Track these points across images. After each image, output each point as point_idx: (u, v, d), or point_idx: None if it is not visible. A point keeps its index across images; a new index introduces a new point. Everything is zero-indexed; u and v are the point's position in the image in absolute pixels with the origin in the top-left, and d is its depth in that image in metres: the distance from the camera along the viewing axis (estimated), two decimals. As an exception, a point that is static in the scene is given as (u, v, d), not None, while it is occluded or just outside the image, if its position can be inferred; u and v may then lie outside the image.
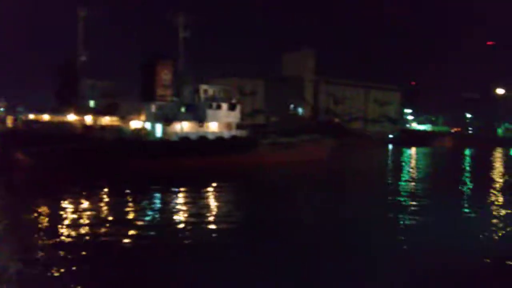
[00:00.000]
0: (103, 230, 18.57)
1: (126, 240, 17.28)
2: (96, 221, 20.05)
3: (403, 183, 37.49)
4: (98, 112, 47.14)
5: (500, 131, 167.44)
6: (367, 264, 15.06)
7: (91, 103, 48.06)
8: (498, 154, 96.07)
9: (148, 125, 47.18)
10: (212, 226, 19.74)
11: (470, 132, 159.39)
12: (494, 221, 21.72)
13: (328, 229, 19.96)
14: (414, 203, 26.72)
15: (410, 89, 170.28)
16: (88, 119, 46.24)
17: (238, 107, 51.59)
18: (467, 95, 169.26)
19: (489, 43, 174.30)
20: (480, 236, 18.66)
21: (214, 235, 18.35)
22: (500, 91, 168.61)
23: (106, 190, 28.66)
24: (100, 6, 49.08)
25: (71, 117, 45.25)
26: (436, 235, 18.82)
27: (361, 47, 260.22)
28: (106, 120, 47.17)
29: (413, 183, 37.15)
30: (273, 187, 34.12)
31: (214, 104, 48.85)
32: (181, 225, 19.93)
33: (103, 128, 45.19)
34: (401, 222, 21.50)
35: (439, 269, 14.60)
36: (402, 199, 28.49)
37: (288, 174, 43.21)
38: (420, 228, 20.37)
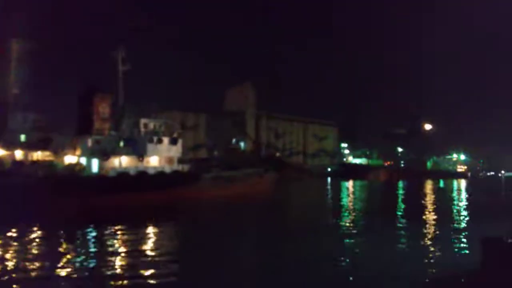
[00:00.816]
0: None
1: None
2: (13, 270, 18.48)
3: (342, 217, 38.31)
4: (29, 146, 44.43)
5: (429, 164, 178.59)
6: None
7: (22, 137, 45.25)
8: (428, 186, 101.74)
9: (83, 160, 45.12)
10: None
11: (402, 165, 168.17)
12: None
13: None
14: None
15: (346, 124, 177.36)
16: (18, 154, 43.44)
17: (180, 141, 50.97)
18: (395, 131, 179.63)
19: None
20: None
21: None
22: (427, 126, 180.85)
23: (32, 231, 26.49)
24: (34, 38, 47.24)
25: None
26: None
27: (298, 84, 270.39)
28: (38, 155, 44.54)
29: (350, 219, 37.99)
30: (211, 224, 33.26)
31: (155, 138, 47.92)
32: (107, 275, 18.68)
33: (35, 163, 42.59)
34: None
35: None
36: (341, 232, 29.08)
37: (229, 209, 42.81)
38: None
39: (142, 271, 17.77)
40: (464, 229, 30.63)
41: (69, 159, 45.07)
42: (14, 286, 15.58)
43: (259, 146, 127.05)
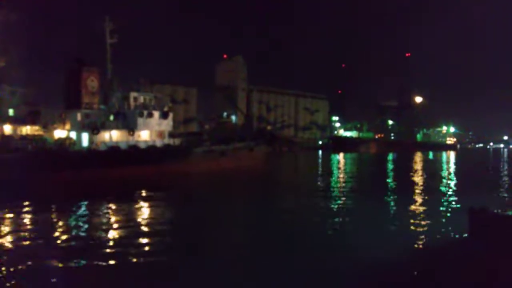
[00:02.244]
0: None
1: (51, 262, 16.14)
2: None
3: (331, 192, 38.73)
4: (18, 120, 43.88)
5: (419, 136, 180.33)
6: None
7: (10, 111, 44.62)
8: (418, 158, 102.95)
9: (73, 134, 44.78)
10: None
11: (392, 138, 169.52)
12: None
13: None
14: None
15: (337, 97, 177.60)
16: (7, 128, 42.94)
17: (171, 115, 50.64)
18: (386, 103, 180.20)
19: (407, 54, 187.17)
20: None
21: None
22: (418, 99, 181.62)
23: (23, 206, 26.41)
24: (21, 9, 45.98)
25: (-13, 127, 41.74)
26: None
27: (290, 57, 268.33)
28: (27, 129, 44.07)
29: (339, 193, 38.42)
30: (200, 197, 33.52)
31: (145, 112, 47.55)
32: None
33: (24, 138, 42.17)
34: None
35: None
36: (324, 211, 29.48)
37: (220, 182, 43.08)
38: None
39: (132, 246, 17.90)
40: (452, 200, 31.18)
41: (59, 133, 44.70)
42: (6, 260, 15.67)
43: (250, 119, 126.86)
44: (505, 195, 34.42)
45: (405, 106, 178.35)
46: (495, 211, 17.88)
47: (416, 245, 17.87)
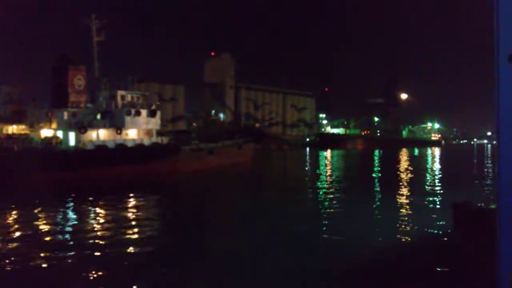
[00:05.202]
0: None
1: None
2: None
3: (318, 187, 39.14)
4: (3, 119, 43.43)
5: (404, 133, 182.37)
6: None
7: (-5, 111, 44.15)
8: (403, 154, 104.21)
9: (60, 134, 44.43)
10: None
11: (378, 134, 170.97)
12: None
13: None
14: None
15: (324, 95, 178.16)
16: (-8, 127, 42.50)
17: (158, 113, 50.52)
18: (372, 101, 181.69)
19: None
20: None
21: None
22: (403, 96, 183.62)
23: (10, 206, 26.20)
24: (7, 7, 45.42)
25: (-28, 126, 41.27)
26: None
27: (276, 54, 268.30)
28: (13, 128, 43.64)
29: (326, 187, 38.88)
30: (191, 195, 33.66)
31: (133, 111, 47.36)
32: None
33: (10, 137, 41.73)
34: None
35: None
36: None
37: (208, 181, 43.19)
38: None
39: (122, 246, 17.98)
40: (437, 195, 31.82)
41: (45, 132, 44.33)
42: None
43: (239, 117, 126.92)
44: (488, 189, 35.24)
45: (391, 103, 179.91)
46: (478, 205, 18.38)
47: (400, 239, 18.29)
